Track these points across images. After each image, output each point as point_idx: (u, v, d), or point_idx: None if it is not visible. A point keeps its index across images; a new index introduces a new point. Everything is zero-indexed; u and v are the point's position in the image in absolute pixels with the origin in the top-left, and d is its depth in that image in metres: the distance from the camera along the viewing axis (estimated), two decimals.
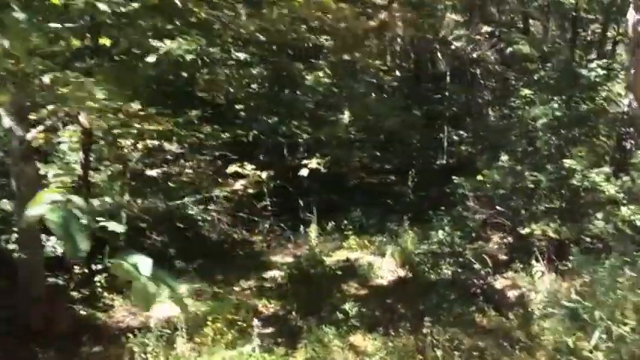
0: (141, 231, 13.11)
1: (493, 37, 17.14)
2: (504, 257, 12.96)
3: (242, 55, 7.88)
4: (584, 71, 11.61)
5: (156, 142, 10.03)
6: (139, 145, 10.10)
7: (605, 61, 12.02)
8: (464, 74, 19.52)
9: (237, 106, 9.72)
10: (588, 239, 10.44)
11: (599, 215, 10.37)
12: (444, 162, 20.02)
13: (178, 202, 14.09)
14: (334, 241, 14.66)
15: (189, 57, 7.05)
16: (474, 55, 17.08)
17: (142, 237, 13.26)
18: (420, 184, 17.24)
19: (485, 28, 17.22)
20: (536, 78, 12.47)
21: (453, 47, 17.89)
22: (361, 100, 10.55)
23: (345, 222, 15.58)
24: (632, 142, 11.35)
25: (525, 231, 10.69)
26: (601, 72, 11.32)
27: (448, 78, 21.07)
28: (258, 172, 11.23)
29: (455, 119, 20.18)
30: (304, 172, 9.53)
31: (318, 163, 9.04)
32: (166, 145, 10.97)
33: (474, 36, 16.67)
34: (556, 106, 11.05)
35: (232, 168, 11.92)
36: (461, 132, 20.37)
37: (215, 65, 8.29)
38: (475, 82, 18.39)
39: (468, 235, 13.70)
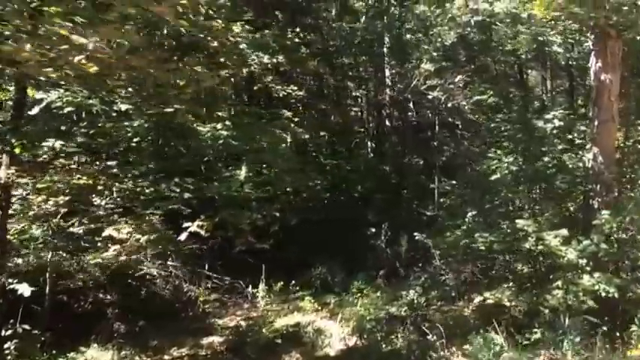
0: (83, 289, 12.44)
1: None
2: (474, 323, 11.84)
3: (124, 106, 7.21)
4: (539, 122, 10.68)
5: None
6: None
7: (560, 111, 11.05)
8: (442, 125, 19.00)
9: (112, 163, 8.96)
10: (547, 310, 9.33)
11: (559, 283, 9.30)
12: (434, 213, 19.15)
13: (134, 256, 13.35)
14: (291, 302, 13.73)
15: (67, 109, 6.38)
16: (449, 105, 16.34)
17: (83, 295, 12.59)
18: (398, 237, 16.43)
19: (461, 77, 16.50)
20: (489, 129, 11.56)
21: (429, 97, 17.28)
22: (267, 154, 9.76)
23: (312, 278, 14.76)
24: (599, 200, 10.31)
25: (478, 300, 9.63)
26: (557, 123, 10.40)
27: (437, 127, 20.59)
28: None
29: (444, 169, 19.55)
30: (183, 236, 8.66)
31: (200, 226, 8.16)
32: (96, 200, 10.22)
33: (447, 85, 15.95)
34: (510, 159, 10.10)
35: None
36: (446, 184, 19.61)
37: (97, 117, 7.61)
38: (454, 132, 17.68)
39: (447, 295, 12.75)
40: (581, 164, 10.69)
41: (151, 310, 12.48)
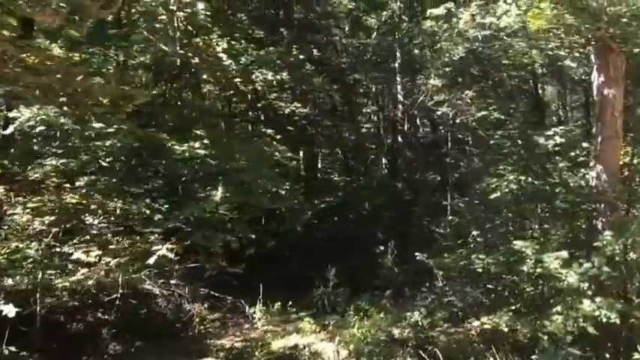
0: (79, 309, 12.35)
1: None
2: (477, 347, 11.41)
3: (98, 125, 7.11)
4: (540, 139, 10.27)
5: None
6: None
7: (562, 128, 10.63)
8: (455, 141, 18.67)
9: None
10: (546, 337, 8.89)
11: (558, 308, 8.86)
12: (445, 231, 18.75)
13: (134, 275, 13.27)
14: (291, 322, 13.46)
15: (39, 129, 6.29)
16: (457, 121, 16.00)
17: (80, 315, 12.51)
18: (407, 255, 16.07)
19: (469, 93, 16.16)
20: (490, 146, 11.20)
21: (439, 112, 16.98)
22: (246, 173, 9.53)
23: (315, 297, 14.48)
24: (603, 220, 9.85)
25: (474, 324, 9.24)
26: (559, 140, 9.99)
27: (449, 143, 20.27)
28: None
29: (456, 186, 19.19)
30: (152, 259, 8.45)
31: (170, 249, 7.96)
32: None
33: (455, 101, 15.63)
34: (511, 177, 9.73)
35: None
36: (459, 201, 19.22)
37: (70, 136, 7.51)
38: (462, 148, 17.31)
39: (454, 317, 12.34)
40: (584, 182, 10.23)
41: (151, 329, 12.33)
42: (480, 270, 9.40)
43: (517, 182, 9.76)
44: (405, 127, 19.95)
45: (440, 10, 16.39)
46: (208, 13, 11.08)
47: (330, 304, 14.31)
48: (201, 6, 10.05)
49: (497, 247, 9.56)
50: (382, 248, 17.28)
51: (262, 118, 16.01)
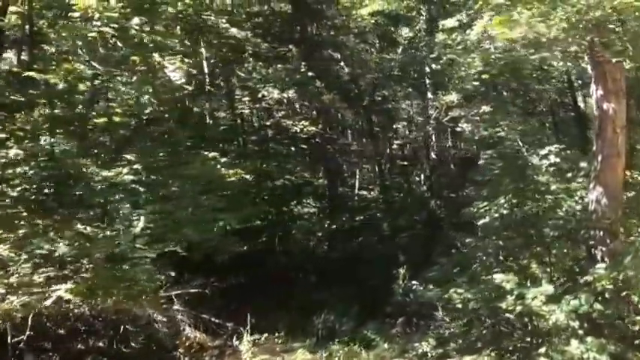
0: (70, 336, 12.22)
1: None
2: None
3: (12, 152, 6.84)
4: (534, 159, 9.30)
5: None
6: None
7: (556, 146, 9.57)
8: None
9: None
10: None
11: (542, 350, 7.92)
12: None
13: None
14: (290, 352, 12.88)
15: None
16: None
17: (74, 341, 12.39)
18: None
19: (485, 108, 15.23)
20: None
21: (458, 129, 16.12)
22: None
23: (317, 325, 13.85)
24: (603, 249, 8.78)
25: None
26: (553, 159, 9.01)
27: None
28: None
29: None
30: (48, 301, 7.98)
31: (70, 290, 7.46)
32: None
33: (471, 116, 14.74)
34: (502, 201, 8.85)
35: None
36: None
37: None
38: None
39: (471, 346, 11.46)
40: (579, 207, 9.18)
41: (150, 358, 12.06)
42: (460, 306, 8.55)
43: (508, 206, 8.85)
44: (435, 144, 19.14)
45: (452, 22, 15.69)
46: None
47: (333, 333, 13.63)
48: None
49: (480, 279, 8.66)
50: (401, 271, 16.42)
51: (269, 136, 15.68)
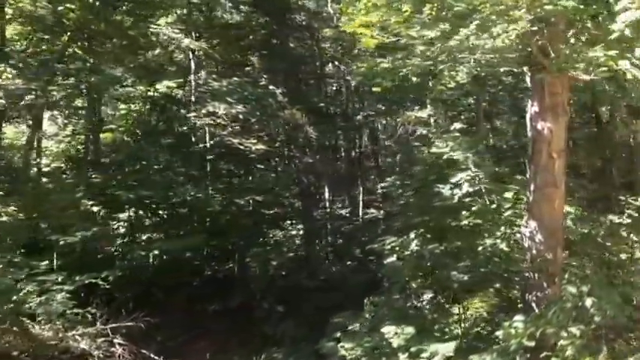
0: None
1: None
2: None
3: None
4: (445, 189, 7.94)
5: None
6: None
7: (468, 174, 8.14)
8: None
9: None
10: None
11: None
12: None
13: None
14: None
15: None
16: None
17: None
18: None
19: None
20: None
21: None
22: None
23: None
24: (539, 294, 7.34)
25: None
26: (466, 189, 7.64)
27: None
28: None
29: None
30: None
31: None
32: None
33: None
34: (412, 236, 7.54)
35: None
36: None
37: None
38: None
39: None
40: (504, 244, 7.75)
41: None
42: None
43: (420, 243, 7.53)
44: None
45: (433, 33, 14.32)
46: None
47: None
48: None
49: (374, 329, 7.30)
50: None
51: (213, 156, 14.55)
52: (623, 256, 8.09)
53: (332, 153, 17.91)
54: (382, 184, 14.02)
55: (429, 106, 15.82)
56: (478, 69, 9.05)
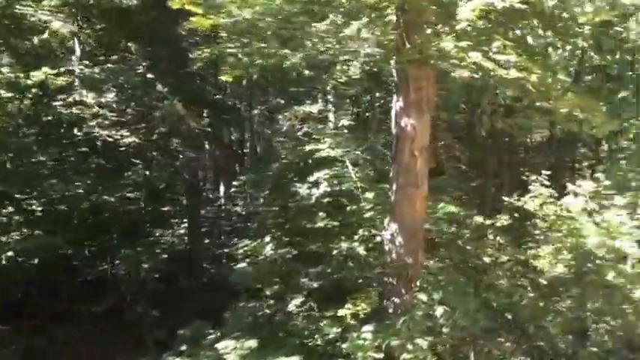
0: None
1: None
2: None
3: None
4: (303, 188, 7.37)
5: None
6: None
7: (327, 171, 7.65)
8: None
9: None
10: None
11: None
12: None
13: None
14: None
15: None
16: None
17: None
18: None
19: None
20: None
21: None
22: None
23: None
24: (397, 300, 6.90)
25: None
26: (324, 189, 7.11)
27: None
28: None
29: None
30: None
31: None
32: None
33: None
34: (267, 239, 6.86)
35: None
36: None
37: None
38: None
39: None
40: (362, 248, 7.27)
41: None
42: None
43: (274, 247, 6.88)
44: None
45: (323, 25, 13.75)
46: None
47: None
48: None
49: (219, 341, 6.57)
50: None
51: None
52: (488, 259, 7.82)
53: (220, 147, 16.96)
54: (235, 183, 13.35)
55: (319, 101, 15.44)
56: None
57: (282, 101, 17.09)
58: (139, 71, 14.05)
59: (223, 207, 18.33)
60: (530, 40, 6.68)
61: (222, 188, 18.23)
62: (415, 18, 6.26)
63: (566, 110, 6.17)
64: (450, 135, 11.14)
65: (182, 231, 17.49)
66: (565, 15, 7.22)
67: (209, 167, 16.46)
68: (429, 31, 6.11)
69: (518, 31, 6.36)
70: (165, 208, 16.43)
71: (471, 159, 11.03)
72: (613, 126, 7.38)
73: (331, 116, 14.48)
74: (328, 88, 15.10)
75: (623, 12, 15.25)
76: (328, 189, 7.33)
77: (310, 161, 8.32)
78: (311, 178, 7.47)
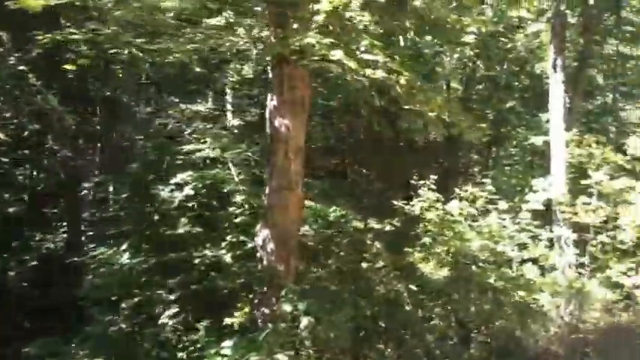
0: None
1: None
2: None
3: None
4: (165, 191, 6.91)
5: None
6: None
7: (190, 173, 7.26)
8: None
9: None
10: None
11: None
12: None
13: None
14: None
15: None
16: None
17: None
18: None
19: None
20: None
21: None
22: None
23: None
24: (267, 311, 6.51)
25: None
26: (189, 191, 6.67)
27: None
28: None
29: None
30: None
31: None
32: None
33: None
34: (124, 247, 6.26)
35: None
36: None
37: None
38: None
39: None
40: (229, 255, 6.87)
41: None
42: None
43: (132, 255, 6.32)
44: None
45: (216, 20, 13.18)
46: None
47: None
48: None
49: None
50: None
51: None
52: (365, 265, 7.62)
53: (107, 146, 15.84)
54: (86, 185, 12.58)
55: (209, 100, 14.86)
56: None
57: (176, 100, 16.30)
58: (11, 62, 12.85)
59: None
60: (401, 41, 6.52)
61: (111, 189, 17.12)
62: (280, 10, 5.93)
63: (434, 114, 6.05)
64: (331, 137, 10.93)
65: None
66: (449, 20, 7.21)
67: (94, 167, 15.33)
68: (295, 25, 5.79)
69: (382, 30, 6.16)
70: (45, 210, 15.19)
71: (355, 162, 10.87)
72: (478, 133, 7.37)
73: (229, 116, 13.94)
74: (227, 87, 14.64)
75: (511, 24, 15.95)
76: (192, 192, 6.83)
77: (179, 162, 7.78)
78: (174, 180, 6.95)
